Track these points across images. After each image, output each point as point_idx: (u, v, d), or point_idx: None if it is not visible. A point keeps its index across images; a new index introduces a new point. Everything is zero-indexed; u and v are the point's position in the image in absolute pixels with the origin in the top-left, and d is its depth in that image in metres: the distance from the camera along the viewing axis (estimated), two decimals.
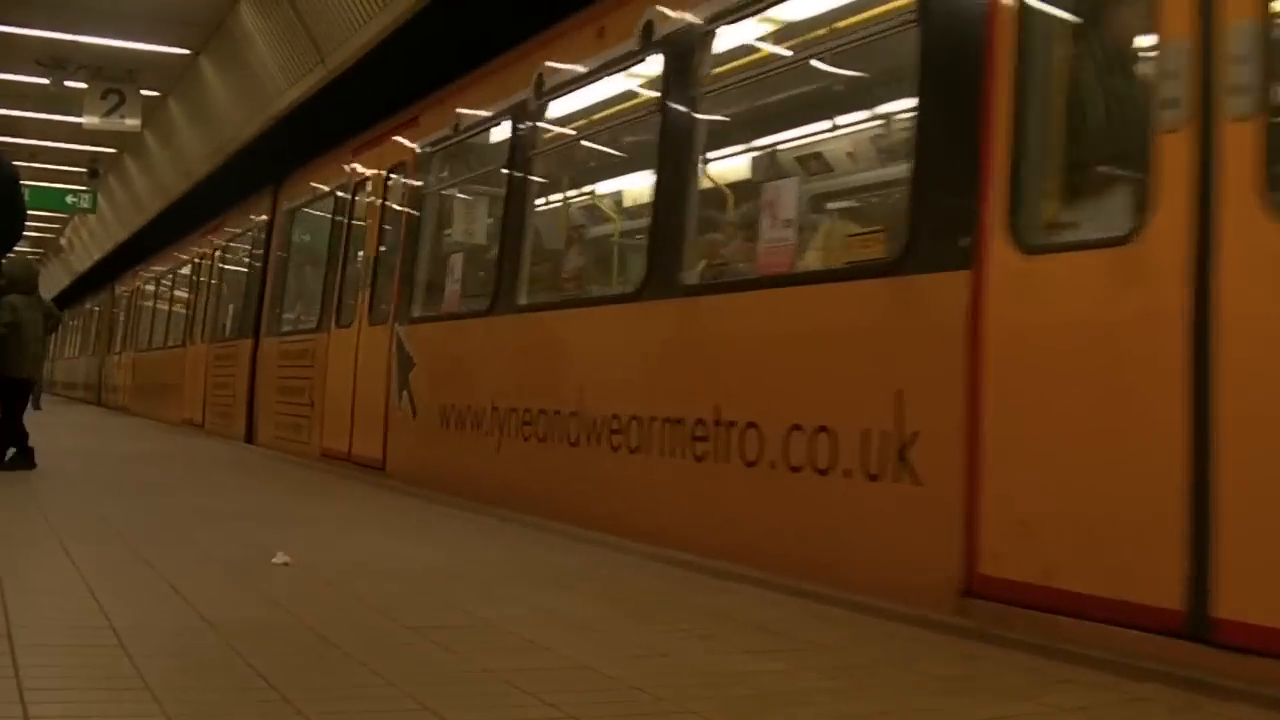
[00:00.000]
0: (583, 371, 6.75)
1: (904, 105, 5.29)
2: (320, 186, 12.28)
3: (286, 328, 13.02)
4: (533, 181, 7.93)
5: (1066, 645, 3.57)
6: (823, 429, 4.86)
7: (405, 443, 9.15)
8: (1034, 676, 3.31)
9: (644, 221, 6.81)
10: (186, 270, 19.07)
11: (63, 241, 36.05)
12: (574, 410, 6.68)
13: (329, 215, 11.85)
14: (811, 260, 5.54)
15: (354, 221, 11.09)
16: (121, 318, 25.19)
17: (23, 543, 5.21)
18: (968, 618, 4.02)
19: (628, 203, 8.54)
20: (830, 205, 6.60)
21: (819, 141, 6.88)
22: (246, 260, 15.34)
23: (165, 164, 21.21)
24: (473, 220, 9.66)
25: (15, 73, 17.29)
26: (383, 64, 11.73)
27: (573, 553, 5.57)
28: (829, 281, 5.23)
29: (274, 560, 4.76)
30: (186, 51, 16.09)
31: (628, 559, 5.36)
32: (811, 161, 6.85)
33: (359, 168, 10.99)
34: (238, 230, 15.88)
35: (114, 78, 16.81)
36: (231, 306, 15.99)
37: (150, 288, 22.23)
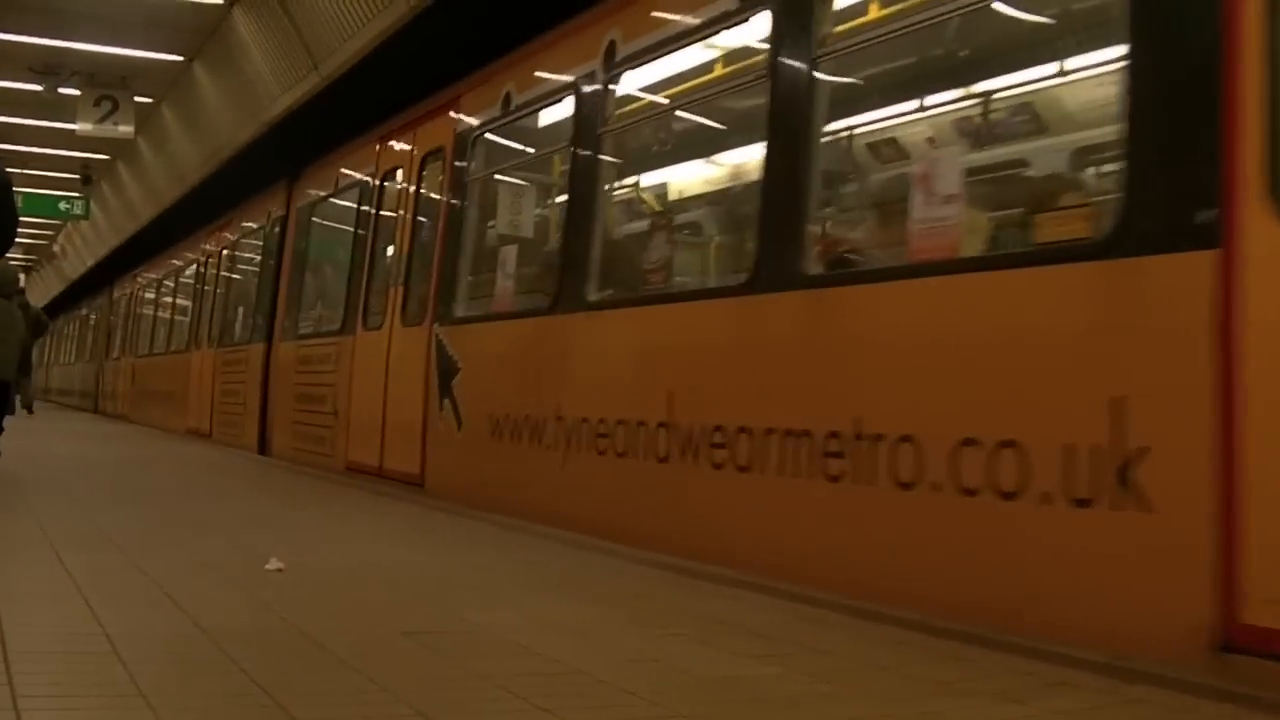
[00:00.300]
0: (673, 376, 5.88)
1: (1110, 54, 4.38)
2: (343, 178, 11.43)
3: (305, 331, 12.04)
4: (603, 163, 6.98)
5: None
6: (1008, 443, 4.03)
7: (448, 457, 8.27)
8: (1028, 679, 3.31)
9: (750, 204, 5.99)
10: (190, 272, 18.20)
11: (55, 248, 36.01)
12: (662, 421, 5.84)
13: (353, 209, 10.96)
14: (984, 242, 4.65)
15: (382, 214, 10.22)
16: (120, 322, 24.34)
17: (15, 549, 5.20)
18: (1227, 678, 3.26)
19: (729, 182, 7.62)
20: (1006, 175, 5.58)
21: (986, 103, 5.84)
22: (258, 260, 14.55)
23: (159, 170, 21.20)
24: (527, 209, 8.81)
25: (8, 79, 17.26)
26: (377, 69, 11.71)
27: (568, 557, 5.57)
28: (1016, 266, 4.30)
29: (268, 566, 4.75)
30: (180, 58, 16.08)
31: (622, 564, 5.36)
32: (979, 126, 5.78)
33: (388, 156, 10.15)
34: (247, 228, 15.07)
35: (107, 84, 16.79)
36: (241, 309, 15.13)
37: (151, 290, 21.37)
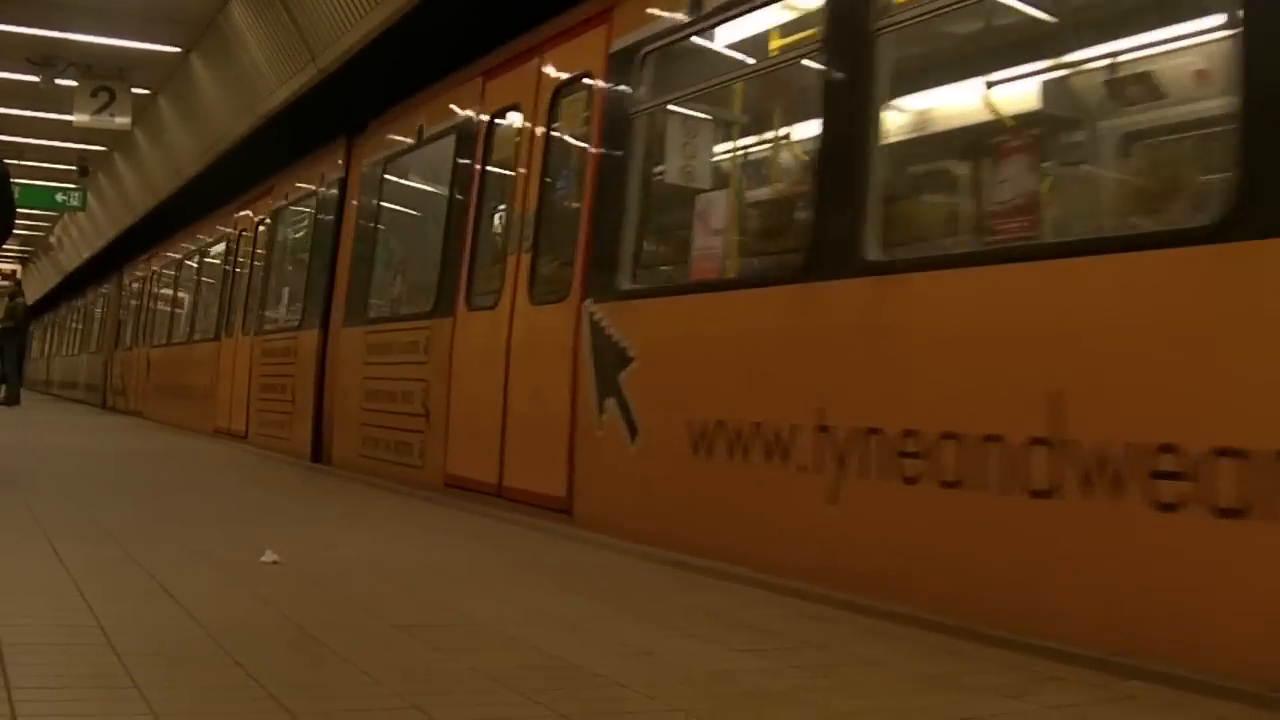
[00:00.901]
0: (1062, 368, 3.94)
1: None
2: (429, 127, 9.27)
3: (379, 314, 9.94)
4: (885, 67, 4.97)
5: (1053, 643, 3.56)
6: None
7: (613, 476, 6.23)
8: (1022, 674, 3.31)
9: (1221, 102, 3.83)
10: (218, 250, 16.09)
11: (52, 240, 35.99)
12: (1039, 435, 3.93)
13: (446, 162, 8.84)
14: None
15: (492, 166, 8.21)
16: (132, 309, 22.35)
17: (10, 541, 5.19)
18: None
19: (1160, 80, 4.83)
20: None
21: None
22: (307, 232, 12.51)
23: (155, 162, 21.17)
24: (736, 141, 6.87)
25: (5, 70, 17.25)
26: (374, 62, 11.67)
27: (563, 551, 5.57)
28: None
29: (263, 559, 4.76)
30: (177, 49, 16.07)
31: (618, 558, 5.36)
32: None
33: (501, 92, 8.12)
34: (292, 197, 12.93)
35: (104, 75, 16.77)
36: (287, 290, 12.97)
37: (170, 273, 19.38)
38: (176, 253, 19.32)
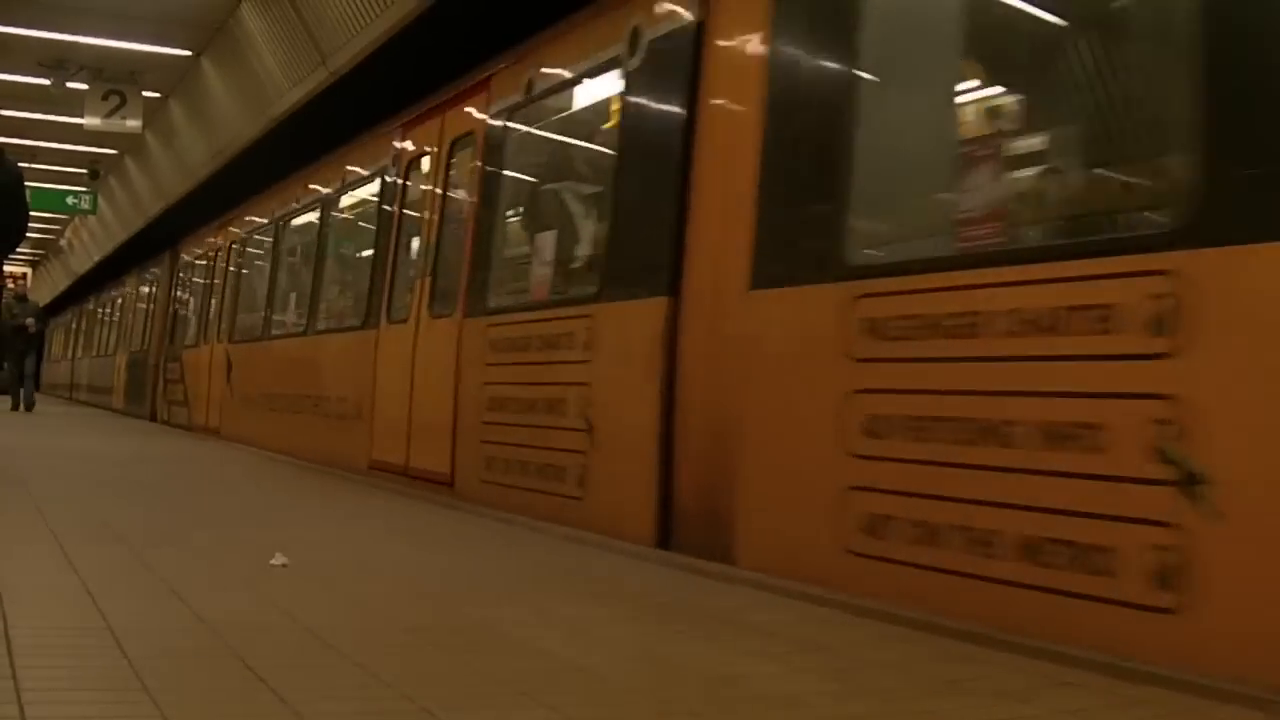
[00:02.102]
0: None
1: None
2: None
3: (887, 255, 5.03)
4: None
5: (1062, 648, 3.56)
6: None
7: None
8: (1033, 679, 3.30)
9: None
10: (362, 196, 11.45)
11: (62, 243, 36.12)
12: None
13: None
14: None
15: None
16: (194, 296, 18.09)
17: (20, 544, 5.21)
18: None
19: None
20: None
21: None
22: (597, 136, 7.77)
23: (166, 165, 21.22)
24: None
25: (16, 73, 17.32)
26: (387, 64, 11.67)
27: (571, 554, 5.57)
28: None
29: (272, 562, 4.76)
30: (188, 53, 16.12)
31: (625, 561, 5.36)
32: None
33: None
34: (539, 88, 7.87)
35: (115, 79, 16.85)
36: (550, 237, 7.77)
37: (262, 239, 14.58)
38: (271, 212, 14.43)
